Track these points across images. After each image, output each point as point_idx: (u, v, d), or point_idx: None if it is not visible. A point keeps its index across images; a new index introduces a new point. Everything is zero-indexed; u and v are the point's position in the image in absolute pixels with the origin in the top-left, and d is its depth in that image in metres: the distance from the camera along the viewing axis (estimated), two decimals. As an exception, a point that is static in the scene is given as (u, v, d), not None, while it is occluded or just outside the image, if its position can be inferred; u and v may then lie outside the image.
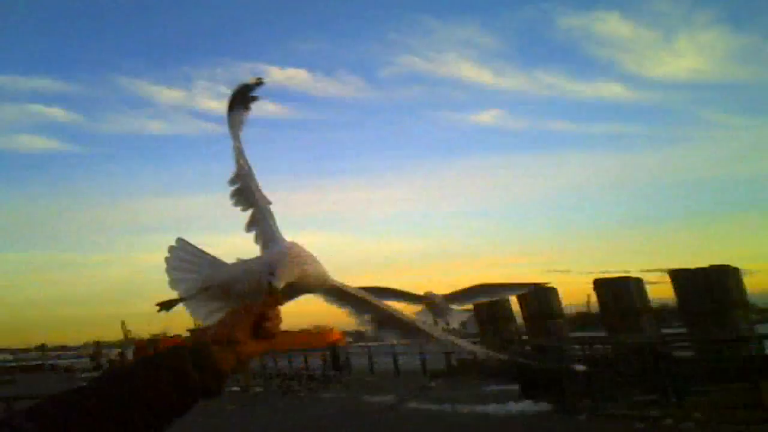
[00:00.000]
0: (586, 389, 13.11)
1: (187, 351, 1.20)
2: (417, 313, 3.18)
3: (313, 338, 51.25)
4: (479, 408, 13.62)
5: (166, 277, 1.86)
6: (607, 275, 19.91)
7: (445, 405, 14.54)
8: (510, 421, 12.21)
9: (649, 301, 19.08)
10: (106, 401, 1.09)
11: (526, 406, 13.28)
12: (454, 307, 3.42)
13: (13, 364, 57.04)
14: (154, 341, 50.47)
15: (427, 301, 3.30)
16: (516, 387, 14.89)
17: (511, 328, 24.04)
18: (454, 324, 3.30)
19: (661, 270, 19.65)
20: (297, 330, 52.41)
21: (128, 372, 1.17)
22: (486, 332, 24.54)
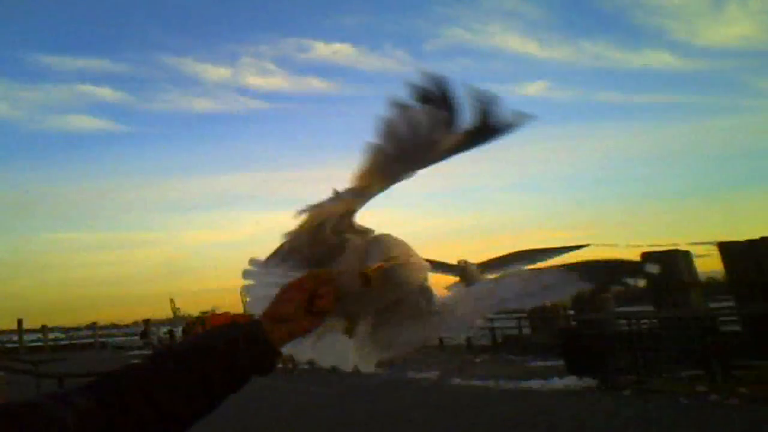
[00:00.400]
0: (631, 365, 13.02)
1: (239, 328, 1.21)
2: (449, 287, 3.15)
3: None
4: (523, 384, 13.63)
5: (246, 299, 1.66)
6: (654, 249, 19.64)
7: (488, 381, 14.58)
8: (553, 396, 12.19)
9: (697, 275, 18.77)
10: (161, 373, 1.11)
11: (570, 381, 13.23)
12: (489, 276, 3.38)
13: (65, 342, 58.45)
14: (202, 318, 51.33)
15: (461, 271, 3.11)
16: (561, 363, 14.84)
17: (557, 302, 23.94)
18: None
19: (710, 243, 19.25)
20: None
21: (193, 343, 1.18)
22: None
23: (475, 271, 3.12)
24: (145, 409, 1.06)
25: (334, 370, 1.57)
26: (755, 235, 14.19)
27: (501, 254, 3.28)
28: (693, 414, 9.72)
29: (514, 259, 3.08)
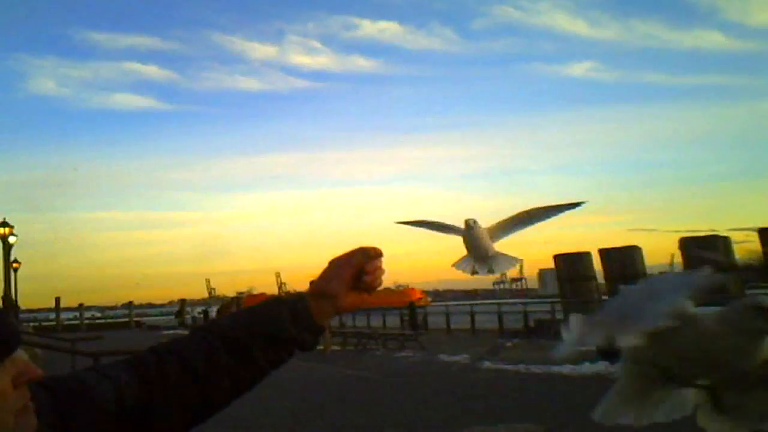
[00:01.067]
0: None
1: (284, 303, 1.21)
2: (457, 262, 3.15)
3: (395, 297, 51.15)
4: (554, 368, 13.57)
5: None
6: (693, 233, 19.38)
7: (519, 365, 14.56)
8: (584, 382, 12.14)
9: (735, 260, 18.48)
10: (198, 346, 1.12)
11: (602, 367, 13.12)
12: (501, 241, 3.15)
13: (102, 320, 59.57)
14: (238, 299, 52.07)
15: (467, 231, 3.05)
16: (592, 348, 14.73)
17: (591, 287, 23.71)
18: (500, 271, 3.23)
19: (750, 228, 18.93)
20: (380, 289, 52.47)
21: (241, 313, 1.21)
22: (565, 291, 24.32)
23: (484, 231, 3.08)
24: (184, 383, 1.07)
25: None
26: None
27: (507, 217, 3.28)
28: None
29: (523, 220, 3.13)
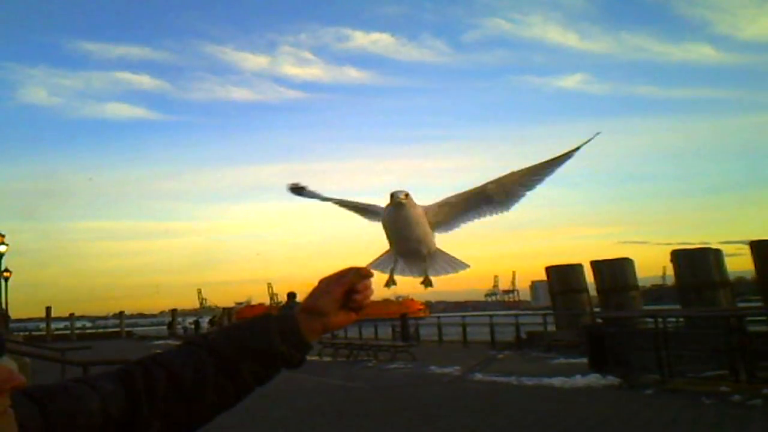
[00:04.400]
0: (655, 364, 12.88)
1: (273, 319, 1.21)
2: (376, 261, 2.30)
3: (395, 308, 50.73)
4: (545, 380, 13.56)
5: None
6: (685, 246, 19.46)
7: (510, 377, 14.53)
8: (575, 394, 12.13)
9: (727, 274, 18.57)
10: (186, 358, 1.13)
11: (593, 379, 13.14)
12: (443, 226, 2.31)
13: (92, 330, 59.37)
14: (230, 310, 51.91)
15: (392, 213, 2.17)
16: (584, 360, 14.74)
17: (583, 299, 23.75)
18: (435, 274, 2.32)
19: (741, 242, 19.07)
20: (380, 300, 51.90)
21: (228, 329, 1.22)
22: (557, 303, 24.36)
23: (419, 213, 2.20)
24: (170, 396, 1.08)
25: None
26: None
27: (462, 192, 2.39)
28: (712, 414, 9.61)
29: (482, 195, 2.27)
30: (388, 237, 2.22)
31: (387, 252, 2.28)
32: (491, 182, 2.24)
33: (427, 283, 2.32)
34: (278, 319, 1.21)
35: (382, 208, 2.23)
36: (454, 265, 2.34)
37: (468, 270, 2.38)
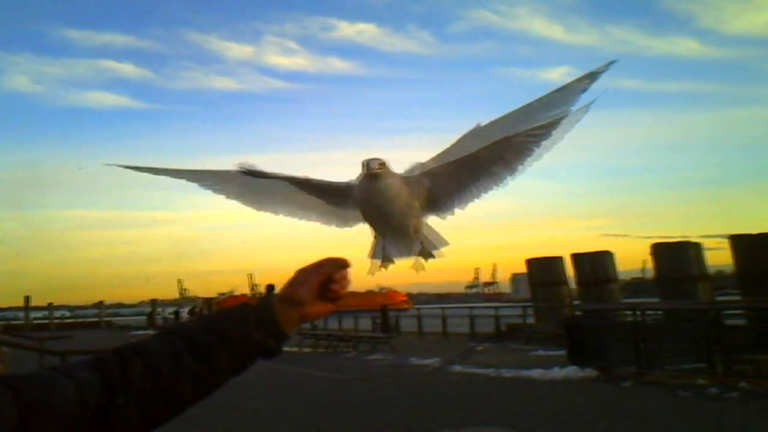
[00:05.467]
0: (634, 356, 12.92)
1: (250, 308, 1.20)
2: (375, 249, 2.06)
3: (379, 300, 50.49)
4: (523, 373, 13.59)
5: None
6: (665, 240, 19.50)
7: (489, 369, 14.56)
8: (553, 386, 12.17)
9: (706, 267, 18.64)
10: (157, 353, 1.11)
11: (571, 372, 13.18)
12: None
13: (71, 320, 58.93)
14: (210, 301, 51.64)
15: (366, 186, 1.86)
16: (563, 352, 14.78)
17: (563, 292, 23.82)
18: (424, 253, 2.04)
19: (721, 235, 19.13)
20: (363, 291, 51.07)
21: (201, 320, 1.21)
22: (537, 295, 24.42)
23: (400, 183, 1.89)
24: (147, 385, 1.07)
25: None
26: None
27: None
28: (688, 406, 9.65)
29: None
30: (366, 217, 1.94)
31: (378, 238, 2.02)
32: (484, 148, 1.89)
33: (419, 267, 2.09)
34: (255, 308, 1.20)
35: (351, 184, 1.92)
36: (438, 241, 2.10)
37: (448, 246, 2.14)
